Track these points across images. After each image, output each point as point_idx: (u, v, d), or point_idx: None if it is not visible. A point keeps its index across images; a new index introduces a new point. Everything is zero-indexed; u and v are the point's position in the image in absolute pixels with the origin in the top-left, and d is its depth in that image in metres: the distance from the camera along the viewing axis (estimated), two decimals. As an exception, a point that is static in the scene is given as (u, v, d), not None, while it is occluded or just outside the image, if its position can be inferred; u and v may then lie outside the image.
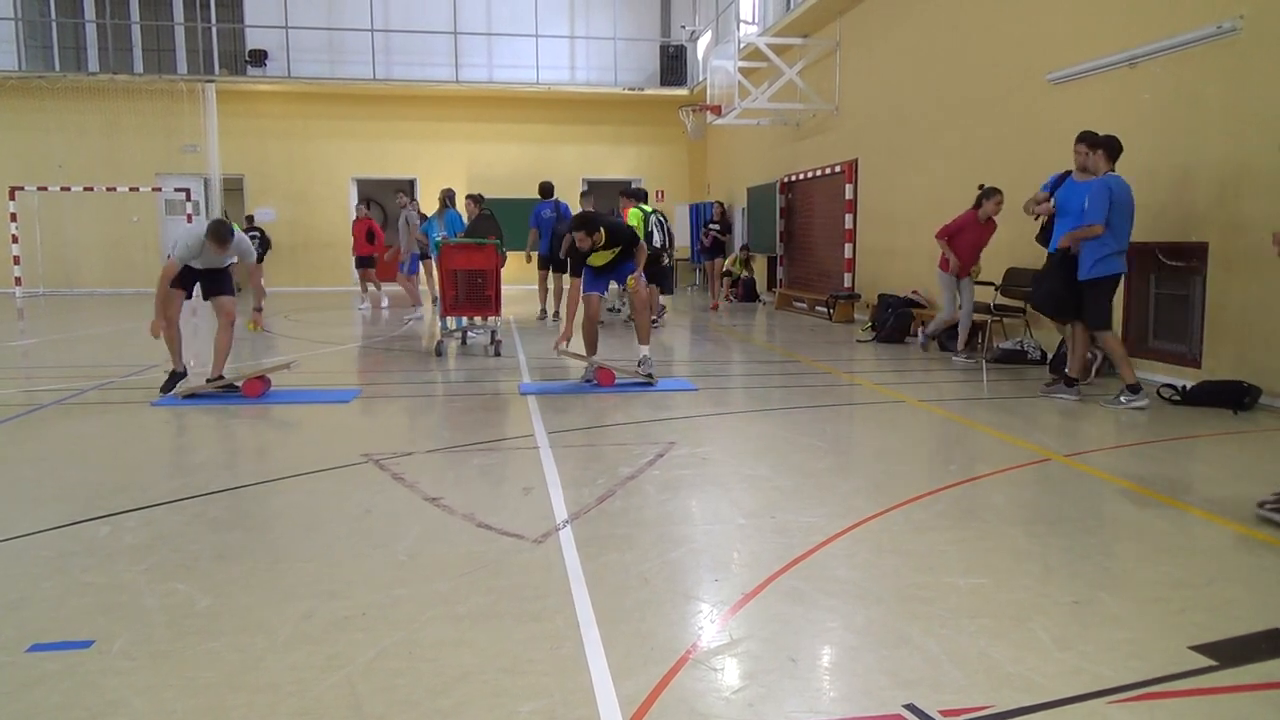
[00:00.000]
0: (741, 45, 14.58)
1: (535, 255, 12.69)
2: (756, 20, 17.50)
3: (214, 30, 20.53)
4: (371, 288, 15.22)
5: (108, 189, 18.80)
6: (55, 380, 7.78)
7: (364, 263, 15.13)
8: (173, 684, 2.44)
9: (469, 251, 8.81)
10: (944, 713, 2.28)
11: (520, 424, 5.95)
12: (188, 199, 19.06)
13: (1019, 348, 8.52)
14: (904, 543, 3.63)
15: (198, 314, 13.06)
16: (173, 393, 6.70)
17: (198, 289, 6.89)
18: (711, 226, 15.48)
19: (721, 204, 17.19)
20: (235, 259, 6.84)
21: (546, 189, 12.81)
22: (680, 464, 4.85)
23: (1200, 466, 5.15)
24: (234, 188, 20.53)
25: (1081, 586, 3.18)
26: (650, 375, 7.36)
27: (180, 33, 20.60)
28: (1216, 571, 3.34)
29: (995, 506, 4.18)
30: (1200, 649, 2.63)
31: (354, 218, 16.09)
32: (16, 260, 18.71)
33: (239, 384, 6.76)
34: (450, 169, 20.91)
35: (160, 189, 19.57)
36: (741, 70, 14.51)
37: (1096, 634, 2.76)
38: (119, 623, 2.83)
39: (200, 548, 3.56)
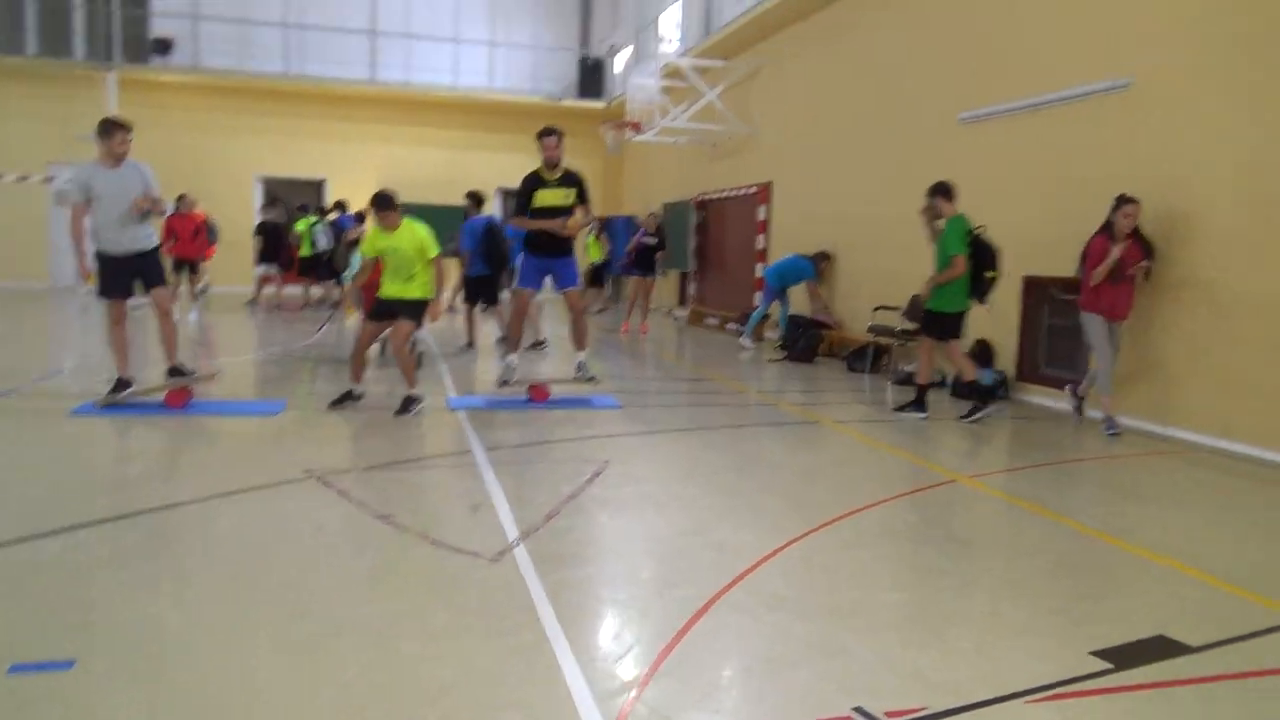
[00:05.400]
0: (664, 65, 14.92)
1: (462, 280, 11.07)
2: (677, 40, 17.90)
3: (116, 14, 19.74)
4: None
5: (-8, 177, 17.87)
6: (-43, 383, 7.49)
7: (181, 265, 13.28)
8: (167, 705, 2.53)
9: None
10: (889, 714, 2.57)
11: (456, 440, 6.07)
12: (83, 191, 18.24)
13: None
14: (832, 560, 3.94)
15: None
16: (93, 402, 6.54)
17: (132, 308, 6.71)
18: (644, 237, 13.60)
19: (655, 213, 15.17)
20: (142, 189, 6.38)
21: (478, 199, 10.86)
22: (616, 483, 5.07)
23: (1085, 488, 5.66)
24: (132, 180, 19.75)
25: (993, 600, 3.54)
26: (592, 377, 7.58)
27: (80, 15, 19.73)
28: (1109, 585, 3.77)
29: (911, 526, 4.55)
30: (1099, 654, 3.01)
31: (174, 211, 13.33)
32: (-112, 250, 17.61)
33: (193, 371, 6.68)
34: (362, 171, 20.61)
35: (53, 178, 18.70)
36: (662, 89, 14.84)
37: (1009, 642, 3.11)
38: (95, 642, 2.88)
39: (158, 566, 3.60)
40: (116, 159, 6.27)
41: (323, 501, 4.55)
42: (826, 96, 12.10)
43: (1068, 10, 7.77)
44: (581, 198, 7.52)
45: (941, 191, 7.33)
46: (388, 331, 7.20)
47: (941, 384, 8.76)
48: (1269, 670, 2.98)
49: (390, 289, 6.87)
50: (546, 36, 21.80)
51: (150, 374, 7.39)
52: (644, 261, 13.45)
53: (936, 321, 7.31)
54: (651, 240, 13.41)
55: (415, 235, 6.82)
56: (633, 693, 2.66)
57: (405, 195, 14.92)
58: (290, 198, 18.53)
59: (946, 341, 7.30)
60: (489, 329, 11.66)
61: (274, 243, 15.92)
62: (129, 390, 6.59)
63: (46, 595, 3.25)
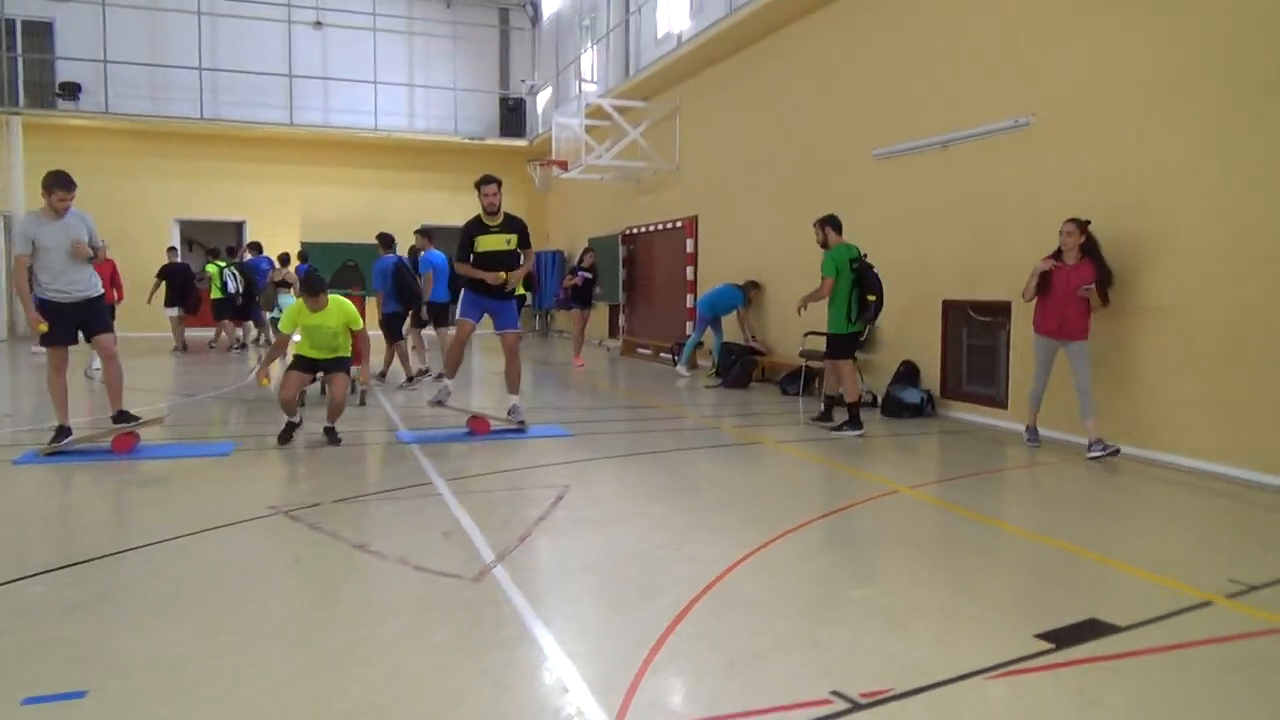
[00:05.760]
0: (586, 105, 15.30)
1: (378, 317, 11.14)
2: (597, 79, 18.36)
3: (18, 59, 19.25)
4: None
5: (-108, 225, 17.16)
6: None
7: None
8: (189, 721, 2.64)
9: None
10: (863, 695, 2.84)
11: (413, 472, 6.17)
12: (-12, 238, 17.66)
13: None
14: (795, 565, 4.22)
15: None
16: (35, 451, 6.44)
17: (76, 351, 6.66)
18: (580, 271, 13.71)
19: (589, 249, 14.94)
20: (86, 238, 6.45)
21: (388, 240, 11.22)
22: (580, 505, 5.27)
23: (1013, 494, 6.08)
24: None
25: (945, 595, 3.86)
26: (522, 423, 7.72)
27: (-19, 60, 19.17)
28: (1044, 579, 4.13)
29: (862, 533, 4.87)
30: (1042, 636, 3.34)
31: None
32: None
33: (141, 417, 6.74)
34: (282, 211, 20.48)
35: (-44, 226, 18.05)
36: (585, 128, 15.22)
37: (963, 630, 3.42)
38: (103, 674, 2.95)
39: (144, 602, 3.66)
40: (58, 213, 6.29)
41: (295, 535, 4.63)
42: (747, 133, 12.63)
43: (973, 53, 8.38)
44: (524, 243, 7.74)
45: (830, 223, 8.03)
46: (323, 378, 7.49)
47: (873, 403, 9.21)
48: (1187, 643, 3.35)
49: (312, 353, 7.24)
50: (466, 78, 22.06)
51: (92, 425, 7.28)
52: (582, 296, 13.69)
53: (831, 342, 7.99)
54: (589, 275, 13.69)
55: (344, 311, 7.20)
56: (628, 688, 2.86)
57: (326, 235, 15.01)
58: (208, 239, 18.26)
59: (838, 360, 7.96)
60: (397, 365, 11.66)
61: (179, 285, 15.74)
62: (69, 439, 6.51)
63: (43, 633, 3.29)
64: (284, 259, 15.13)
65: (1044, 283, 6.90)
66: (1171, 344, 6.58)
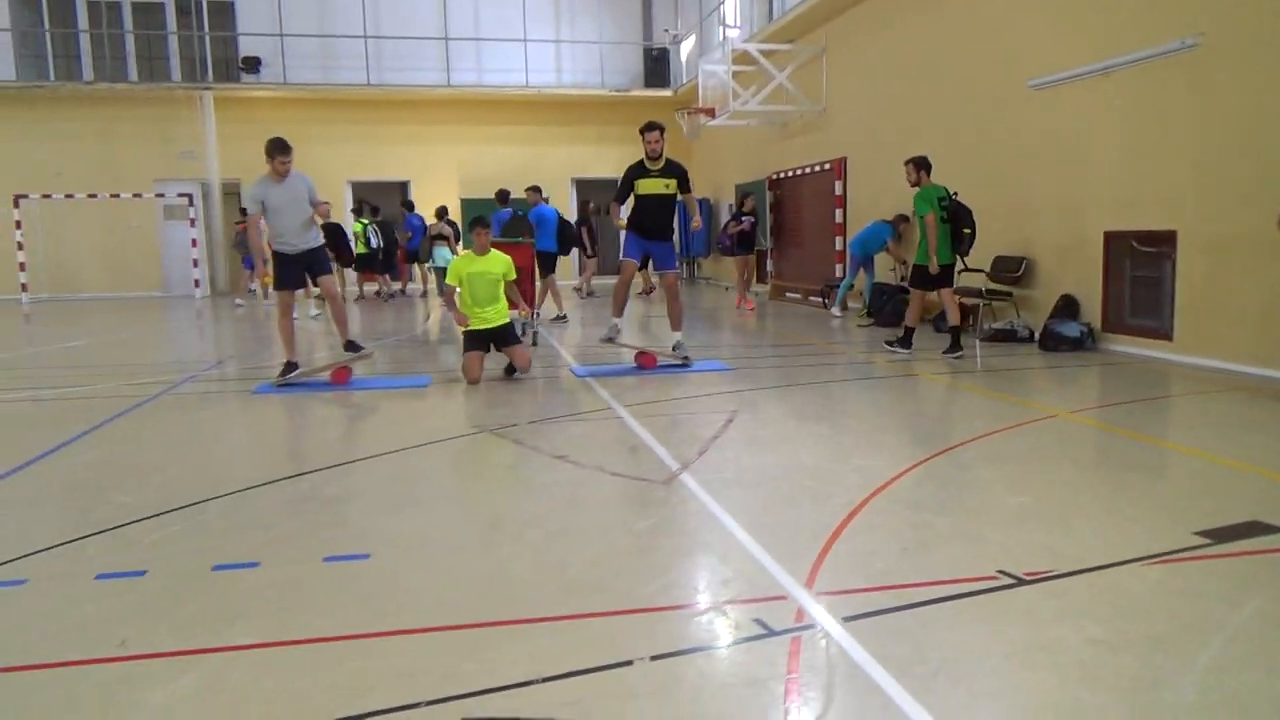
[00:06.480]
0: (731, 50, 15.45)
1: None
2: (740, 24, 18.41)
3: (206, 38, 20.99)
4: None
5: (111, 196, 19.22)
6: (141, 376, 8.43)
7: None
8: (448, 585, 3.26)
9: (507, 250, 9.55)
10: (1027, 573, 3.18)
11: (593, 400, 6.78)
12: (190, 204, 19.52)
13: (1009, 327, 9.51)
14: (957, 476, 4.54)
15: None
16: (270, 382, 7.42)
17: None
18: (744, 217, 14.07)
19: (750, 193, 15.36)
20: (307, 197, 7.31)
21: (504, 195, 13.18)
22: (750, 426, 5.73)
23: (1175, 417, 6.13)
24: (232, 191, 21.01)
25: (1106, 501, 4.11)
26: (686, 358, 8.21)
27: (173, 41, 21.02)
28: (1205, 488, 4.30)
29: (1022, 450, 5.11)
30: (1201, 533, 3.56)
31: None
32: (22, 267, 19.08)
33: (366, 348, 7.74)
34: (442, 171, 21.66)
35: (163, 195, 20.02)
36: (731, 74, 15.38)
37: (1124, 528, 3.68)
38: (376, 544, 3.63)
39: (388, 497, 4.36)
40: (281, 175, 7.16)
41: (503, 448, 5.30)
42: (895, 70, 12.53)
43: (1138, -25, 8.13)
44: (684, 187, 8.14)
45: (922, 164, 8.63)
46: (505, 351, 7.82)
47: (1030, 337, 9.23)
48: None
49: (475, 314, 7.59)
50: (610, 31, 22.48)
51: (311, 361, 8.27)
52: (746, 241, 14.05)
53: (923, 274, 8.53)
54: (752, 219, 14.07)
55: (503, 260, 7.75)
56: (814, 563, 3.30)
57: (482, 190, 15.88)
58: (375, 199, 19.54)
59: (939, 288, 8.57)
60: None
61: (334, 242, 17.08)
62: (298, 371, 7.45)
63: (320, 515, 4.04)
64: (441, 212, 16.13)
65: None
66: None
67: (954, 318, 8.54)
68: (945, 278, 8.54)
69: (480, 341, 7.65)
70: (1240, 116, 7.14)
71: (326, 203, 7.52)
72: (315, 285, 7.70)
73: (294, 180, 7.26)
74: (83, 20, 20.65)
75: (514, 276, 7.88)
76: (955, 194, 8.59)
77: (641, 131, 7.97)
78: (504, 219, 12.34)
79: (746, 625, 2.80)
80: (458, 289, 7.66)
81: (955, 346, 8.51)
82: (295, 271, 7.43)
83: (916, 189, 8.62)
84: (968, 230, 8.48)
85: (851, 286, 12.85)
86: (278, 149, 7.18)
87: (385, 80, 21.24)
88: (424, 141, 21.75)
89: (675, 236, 8.61)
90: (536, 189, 12.81)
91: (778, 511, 4.02)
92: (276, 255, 7.38)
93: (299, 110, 20.92)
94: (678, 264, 8.45)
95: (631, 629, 2.83)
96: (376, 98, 21.19)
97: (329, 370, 7.52)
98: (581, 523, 3.88)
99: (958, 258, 8.62)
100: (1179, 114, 7.73)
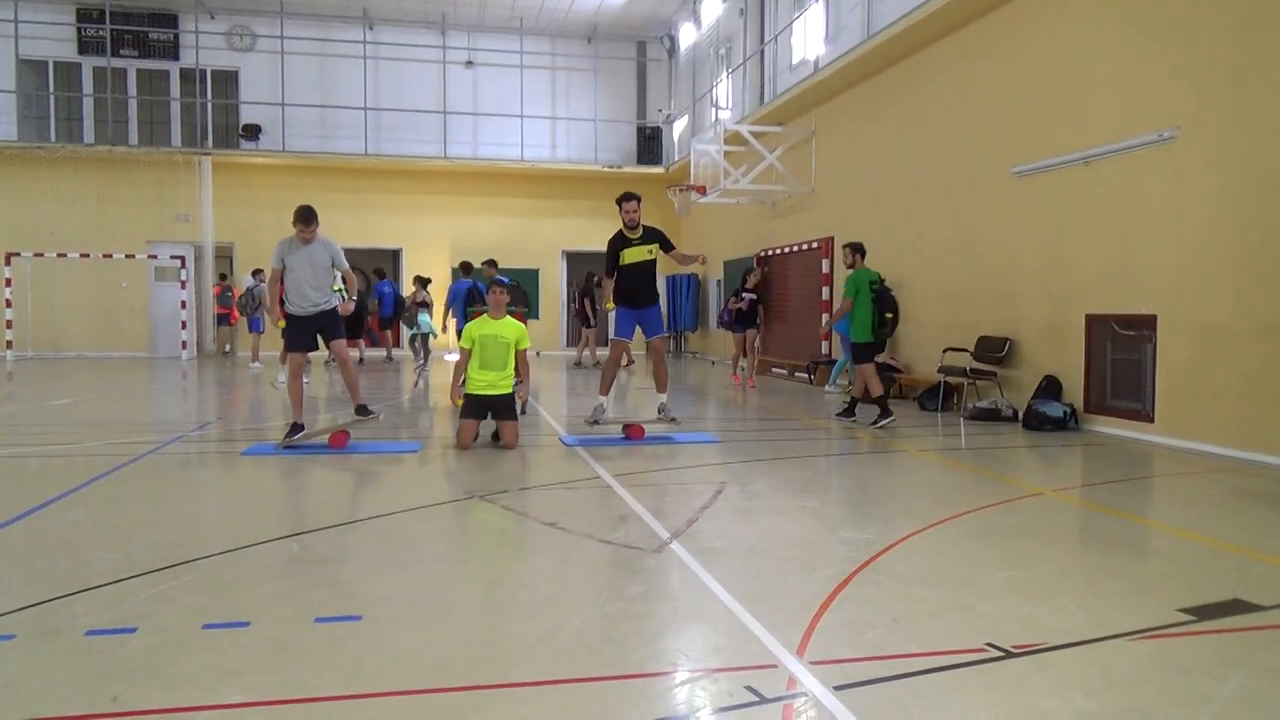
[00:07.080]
0: (724, 131, 15.89)
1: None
2: (732, 106, 18.96)
3: (209, 105, 21.40)
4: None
5: (104, 255, 19.32)
6: (126, 435, 8.40)
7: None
8: (440, 645, 3.27)
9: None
10: (1015, 646, 3.21)
11: (582, 468, 6.80)
12: (182, 266, 19.65)
13: (993, 406, 9.64)
14: (945, 549, 4.58)
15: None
16: (272, 443, 7.42)
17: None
18: (745, 294, 13.77)
19: (757, 268, 15.39)
20: (331, 263, 7.51)
21: (467, 267, 13.23)
22: (740, 498, 5.77)
23: (1157, 497, 6.21)
24: (224, 254, 21.23)
25: (1090, 576, 4.16)
26: (674, 419, 8.28)
27: (176, 107, 21.42)
28: (1186, 565, 4.35)
29: (1009, 525, 5.16)
30: (1185, 610, 3.61)
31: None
32: (9, 324, 19.06)
33: (375, 411, 7.80)
34: (435, 239, 21.97)
35: (156, 256, 20.15)
36: (723, 153, 15.79)
37: (1109, 603, 3.73)
38: (368, 606, 3.63)
39: (382, 558, 4.36)
40: (304, 240, 7.31)
41: (493, 513, 5.31)
42: (883, 154, 12.92)
43: (1113, 69, 8.50)
44: (666, 246, 8.33)
45: (858, 250, 9.48)
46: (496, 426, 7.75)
47: (1014, 417, 9.36)
48: (1333, 621, 3.56)
49: (480, 380, 7.58)
50: (605, 109, 23.08)
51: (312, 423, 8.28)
52: (745, 318, 13.81)
53: (855, 349, 9.34)
54: (753, 296, 13.84)
55: (517, 327, 7.76)
56: (804, 632, 3.33)
57: (474, 260, 16.07)
58: (367, 266, 19.74)
59: (860, 364, 9.26)
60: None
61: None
62: (302, 433, 7.46)
63: (313, 576, 4.03)
64: (423, 281, 16.31)
65: None
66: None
67: (875, 390, 9.08)
68: (866, 354, 9.19)
69: (479, 409, 7.65)
70: (1217, 206, 7.41)
71: (350, 273, 7.85)
72: (328, 348, 7.71)
73: (317, 245, 7.44)
74: (88, 85, 21.06)
75: (526, 345, 7.86)
76: (884, 280, 9.37)
77: (619, 201, 8.21)
78: (460, 291, 12.41)
79: (738, 692, 2.82)
80: (469, 349, 7.67)
81: (851, 413, 9.46)
82: (305, 335, 7.51)
83: (850, 270, 9.34)
84: (890, 315, 9.27)
85: (846, 364, 13.00)
86: (299, 218, 7.38)
87: (382, 150, 21.64)
88: (418, 211, 22.09)
89: (662, 301, 8.81)
90: (491, 263, 12.72)
91: (768, 581, 4.04)
92: (288, 317, 7.46)
93: (295, 176, 21.24)
94: (664, 329, 8.58)
95: (624, 694, 2.84)
96: (372, 167, 21.57)
97: (328, 434, 7.53)
98: (572, 588, 3.89)
99: (880, 339, 9.30)
100: (1158, 202, 8.01)
